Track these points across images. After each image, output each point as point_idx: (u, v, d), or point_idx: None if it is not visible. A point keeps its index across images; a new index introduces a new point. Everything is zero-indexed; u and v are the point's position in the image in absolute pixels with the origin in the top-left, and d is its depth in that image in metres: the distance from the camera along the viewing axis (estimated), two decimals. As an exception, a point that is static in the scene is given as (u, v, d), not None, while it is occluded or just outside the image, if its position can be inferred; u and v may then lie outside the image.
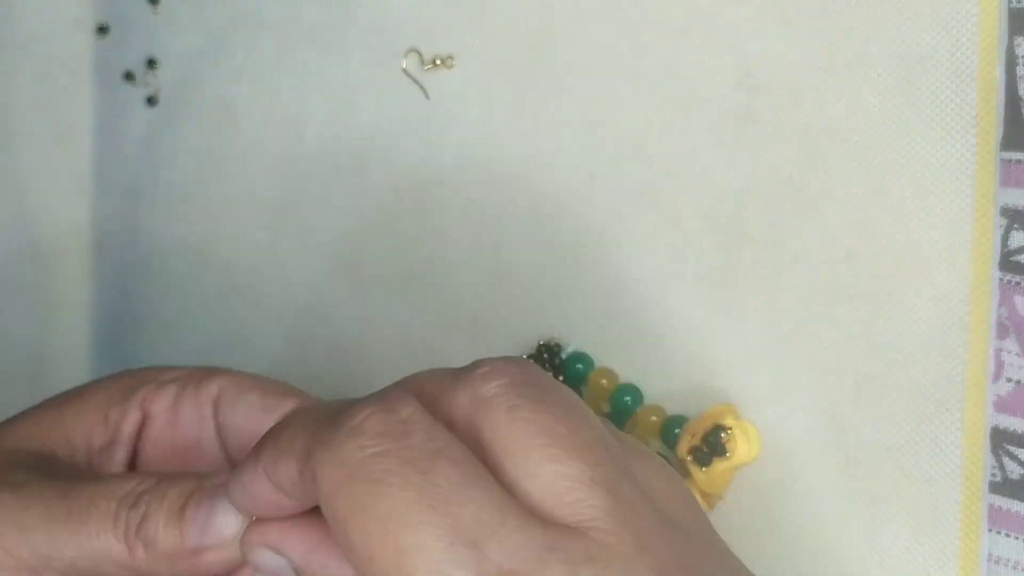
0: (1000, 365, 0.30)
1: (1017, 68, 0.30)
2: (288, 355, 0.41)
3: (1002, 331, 0.30)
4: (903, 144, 0.32)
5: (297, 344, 0.44)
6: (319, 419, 0.25)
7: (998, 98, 0.30)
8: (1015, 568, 0.30)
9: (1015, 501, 0.30)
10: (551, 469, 0.23)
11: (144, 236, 0.48)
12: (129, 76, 0.47)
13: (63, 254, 0.49)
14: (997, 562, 0.31)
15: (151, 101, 0.47)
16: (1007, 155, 0.30)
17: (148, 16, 0.46)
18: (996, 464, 0.30)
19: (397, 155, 0.41)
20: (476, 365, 0.25)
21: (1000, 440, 0.30)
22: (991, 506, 0.31)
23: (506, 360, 0.25)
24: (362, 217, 0.42)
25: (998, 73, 0.30)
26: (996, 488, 0.31)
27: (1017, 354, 0.30)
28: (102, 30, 0.48)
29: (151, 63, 0.47)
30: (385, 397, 0.24)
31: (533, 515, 0.23)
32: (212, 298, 0.46)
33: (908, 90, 0.32)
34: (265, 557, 0.27)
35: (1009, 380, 0.30)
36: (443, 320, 0.40)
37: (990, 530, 0.31)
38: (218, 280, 0.46)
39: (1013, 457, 0.30)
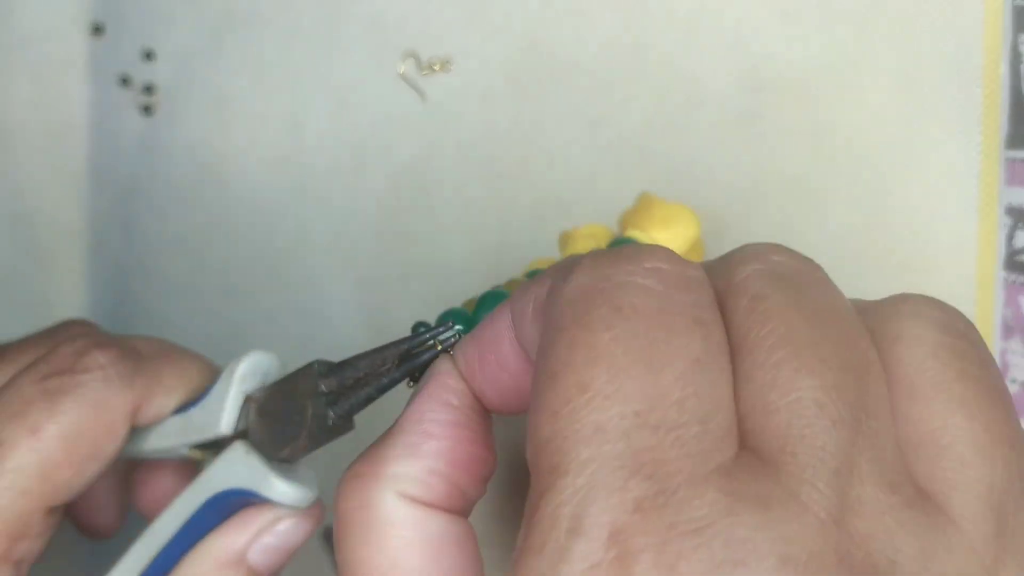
0: (1006, 366, 0.30)
1: (1022, 66, 0.30)
2: (286, 355, 0.41)
3: (1007, 331, 0.30)
4: (908, 143, 0.32)
5: (296, 344, 0.44)
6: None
7: (1003, 96, 0.30)
8: (1021, 570, 0.30)
9: (1021, 502, 0.30)
10: (778, 378, 0.18)
11: (141, 236, 0.48)
12: (125, 81, 0.47)
13: (60, 254, 0.49)
14: (1003, 564, 0.30)
15: (147, 110, 0.47)
16: (1012, 154, 0.30)
17: (144, 14, 0.46)
18: (1002, 465, 0.30)
19: (396, 154, 0.41)
20: (740, 248, 0.21)
21: (1006, 441, 0.30)
22: (997, 507, 0.30)
23: (775, 247, 0.20)
24: (361, 216, 0.42)
25: (1003, 71, 0.30)
26: (1002, 489, 0.30)
27: (1022, 355, 0.30)
28: (98, 30, 0.48)
29: (148, 55, 0.47)
30: (674, 254, 0.19)
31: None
32: (209, 298, 0.46)
33: (913, 89, 0.32)
34: None
35: (1014, 381, 0.30)
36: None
37: (996, 531, 0.30)
38: (215, 280, 0.46)
39: (1019, 458, 0.30)
